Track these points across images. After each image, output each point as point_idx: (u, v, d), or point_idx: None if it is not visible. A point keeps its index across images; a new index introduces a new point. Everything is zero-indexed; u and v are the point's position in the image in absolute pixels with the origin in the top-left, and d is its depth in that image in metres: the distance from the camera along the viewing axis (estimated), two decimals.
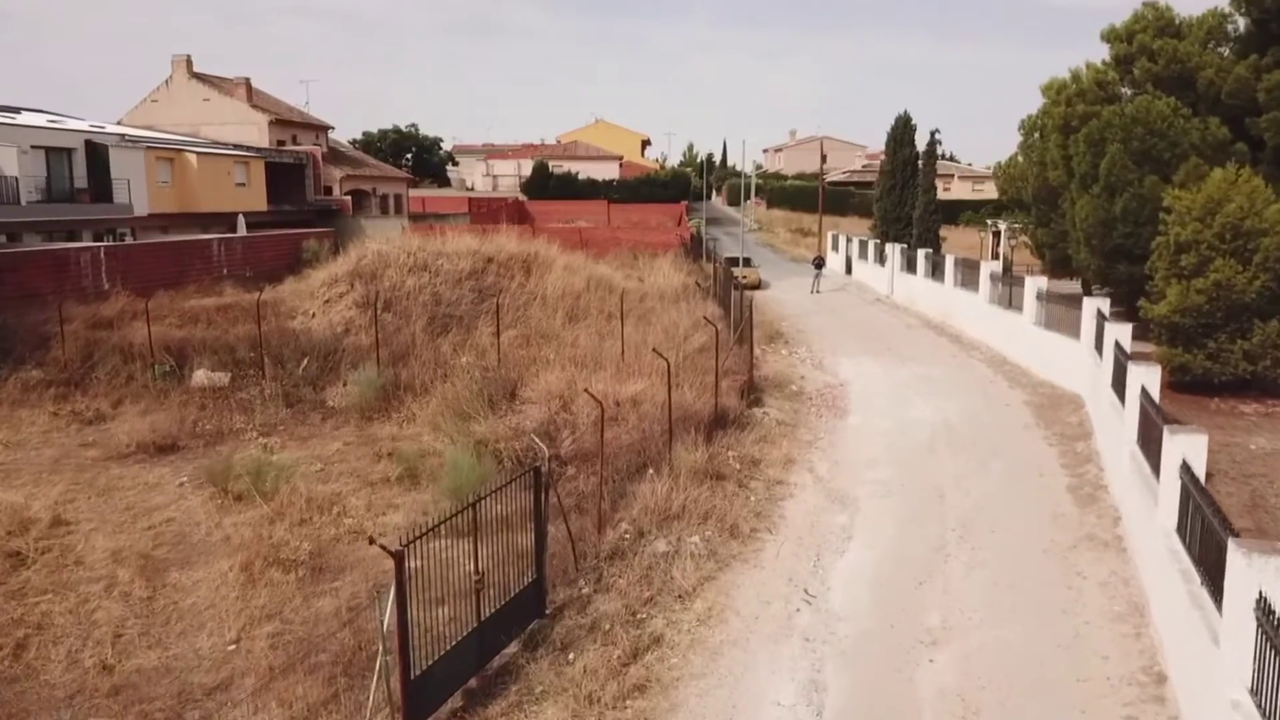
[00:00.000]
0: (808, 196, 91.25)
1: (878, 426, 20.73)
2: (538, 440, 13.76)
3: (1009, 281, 27.73)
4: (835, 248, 52.14)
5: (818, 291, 42.12)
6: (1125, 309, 25.02)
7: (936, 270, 33.68)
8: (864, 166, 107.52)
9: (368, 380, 22.63)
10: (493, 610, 10.88)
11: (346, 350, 24.98)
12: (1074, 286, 35.92)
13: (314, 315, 27.32)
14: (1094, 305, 21.40)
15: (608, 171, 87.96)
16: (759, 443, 18.91)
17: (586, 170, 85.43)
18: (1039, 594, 12.66)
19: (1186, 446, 11.15)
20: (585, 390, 13.89)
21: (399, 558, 8.93)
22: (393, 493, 17.42)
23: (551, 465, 18.51)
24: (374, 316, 25.11)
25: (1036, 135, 35.60)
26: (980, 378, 24.79)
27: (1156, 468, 12.32)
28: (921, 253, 35.21)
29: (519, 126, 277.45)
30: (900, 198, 48.22)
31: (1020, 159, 36.05)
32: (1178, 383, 21.27)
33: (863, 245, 46.33)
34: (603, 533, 14.20)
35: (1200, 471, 10.99)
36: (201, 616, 12.91)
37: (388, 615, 9.41)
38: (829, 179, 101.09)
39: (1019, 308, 26.42)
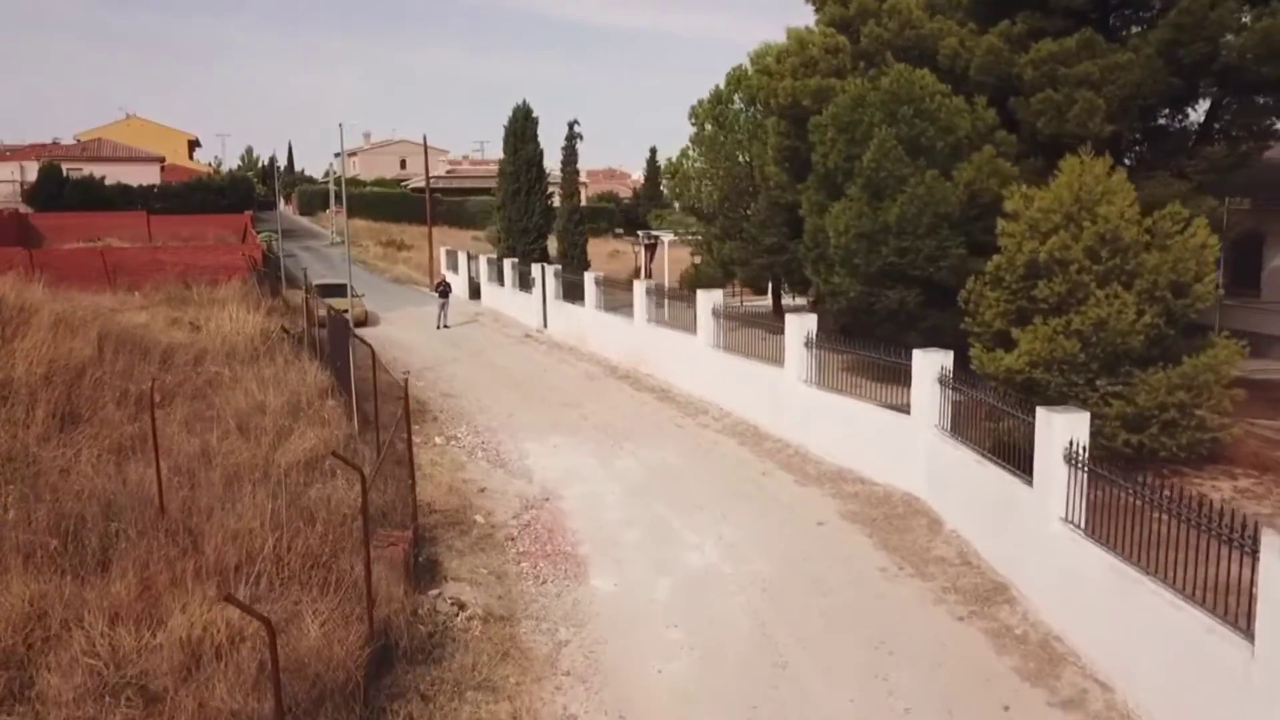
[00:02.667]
0: (390, 204, 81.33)
1: (649, 599, 11.95)
2: None
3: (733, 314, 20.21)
4: (454, 267, 42.55)
5: (446, 326, 32.59)
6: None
7: (618, 301, 25.57)
8: (448, 172, 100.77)
9: None
10: None
11: None
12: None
13: None
14: (933, 362, 14.28)
15: (146, 176, 71.12)
16: (470, 694, 9.35)
17: (117, 174, 68.11)
18: None
19: None
20: None
21: None
22: None
23: None
24: None
25: (710, 126, 28.99)
26: (745, 467, 16.85)
27: None
28: (590, 277, 26.71)
29: (26, 125, 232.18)
30: (526, 205, 39.88)
31: (695, 154, 28.96)
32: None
33: (494, 265, 37.03)
34: None
35: None
36: None
37: None
38: (412, 185, 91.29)
39: (763, 356, 19.08)
